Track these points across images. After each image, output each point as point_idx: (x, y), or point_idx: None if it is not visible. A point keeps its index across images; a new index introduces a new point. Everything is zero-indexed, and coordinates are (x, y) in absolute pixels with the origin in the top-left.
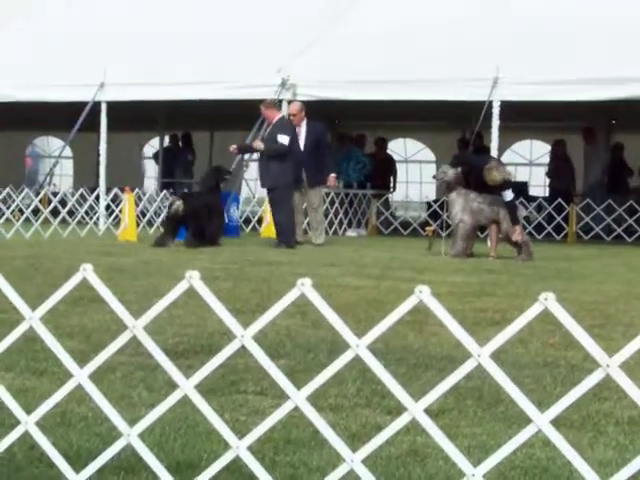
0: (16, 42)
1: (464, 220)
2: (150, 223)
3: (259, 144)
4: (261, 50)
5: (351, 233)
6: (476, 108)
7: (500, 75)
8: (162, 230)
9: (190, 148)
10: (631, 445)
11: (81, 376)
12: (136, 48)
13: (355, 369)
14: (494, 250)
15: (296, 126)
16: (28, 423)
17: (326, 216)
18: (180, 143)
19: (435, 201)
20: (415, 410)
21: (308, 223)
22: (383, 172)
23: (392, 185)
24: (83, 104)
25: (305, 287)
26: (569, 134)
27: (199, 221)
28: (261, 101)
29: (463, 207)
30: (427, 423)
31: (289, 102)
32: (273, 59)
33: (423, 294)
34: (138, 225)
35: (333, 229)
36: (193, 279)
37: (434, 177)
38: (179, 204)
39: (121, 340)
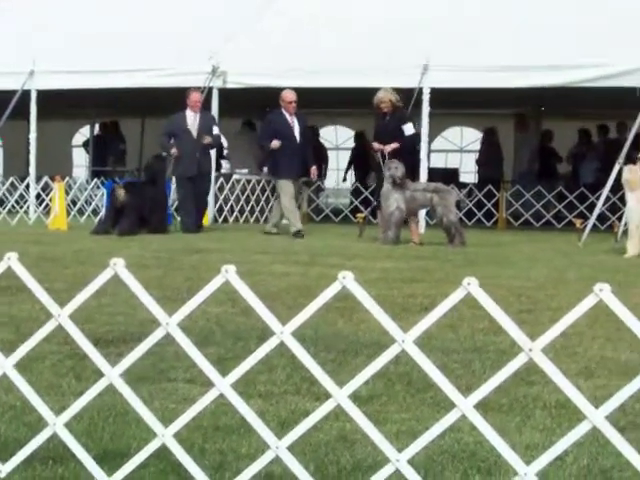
0: None
1: (400, 208)
2: (81, 212)
3: (209, 139)
4: (192, 37)
5: (282, 221)
6: (406, 95)
7: (430, 62)
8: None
9: (119, 136)
10: (558, 428)
11: (6, 365)
12: (66, 36)
13: (285, 356)
14: (417, 236)
15: (291, 115)
16: None
17: (257, 203)
18: (109, 131)
19: (365, 188)
20: (339, 396)
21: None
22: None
23: (323, 173)
24: (12, 92)
25: (229, 274)
26: (499, 121)
27: (140, 210)
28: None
29: (399, 196)
30: (351, 409)
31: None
32: (204, 46)
33: (346, 280)
34: (69, 214)
35: (264, 217)
36: (117, 266)
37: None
38: (121, 192)
39: (46, 329)
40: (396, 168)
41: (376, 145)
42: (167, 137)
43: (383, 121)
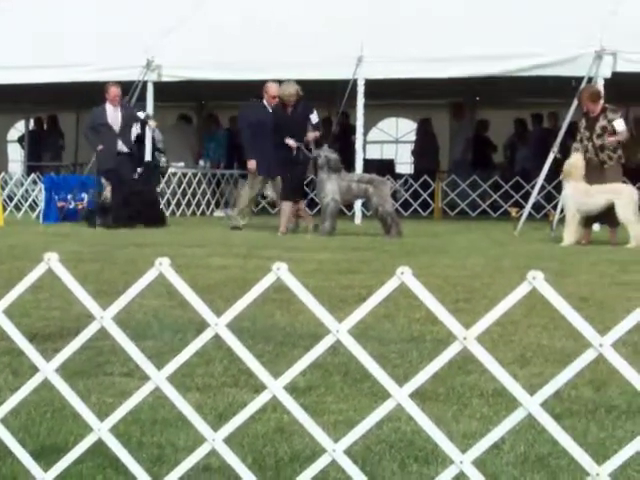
0: None
1: (335, 199)
2: (17, 207)
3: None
4: (127, 32)
5: (219, 213)
6: (341, 87)
7: (364, 53)
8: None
9: (57, 131)
10: (495, 416)
11: None
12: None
13: (222, 349)
14: (284, 226)
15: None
16: None
17: (194, 196)
18: (45, 126)
19: None
20: (275, 388)
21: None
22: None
23: None
24: None
25: (163, 267)
26: (434, 111)
27: (128, 206)
28: (128, 83)
29: (334, 187)
30: (287, 400)
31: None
32: (138, 40)
33: (281, 271)
34: (5, 209)
35: (201, 210)
36: (51, 261)
37: (315, 160)
38: (107, 188)
39: None
40: (326, 157)
41: (291, 142)
42: (94, 131)
43: (285, 113)
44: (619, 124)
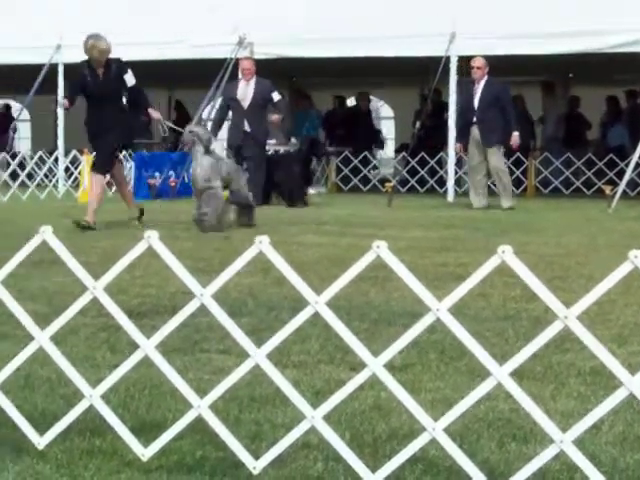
0: None
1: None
2: (109, 184)
3: (276, 117)
4: (218, 7)
5: (311, 191)
6: (434, 63)
7: (457, 30)
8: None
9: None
10: (592, 396)
11: (42, 338)
12: (90, 8)
13: (318, 326)
14: (93, 210)
15: (476, 81)
16: None
17: None
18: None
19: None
20: (375, 365)
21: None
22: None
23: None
24: (40, 66)
25: (263, 245)
26: (527, 89)
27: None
28: (220, 60)
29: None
30: (386, 378)
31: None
32: (229, 18)
33: (381, 249)
34: None
35: None
36: (152, 239)
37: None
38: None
39: (81, 301)
40: (191, 132)
41: (65, 101)
42: (221, 109)
43: (95, 77)
44: None
